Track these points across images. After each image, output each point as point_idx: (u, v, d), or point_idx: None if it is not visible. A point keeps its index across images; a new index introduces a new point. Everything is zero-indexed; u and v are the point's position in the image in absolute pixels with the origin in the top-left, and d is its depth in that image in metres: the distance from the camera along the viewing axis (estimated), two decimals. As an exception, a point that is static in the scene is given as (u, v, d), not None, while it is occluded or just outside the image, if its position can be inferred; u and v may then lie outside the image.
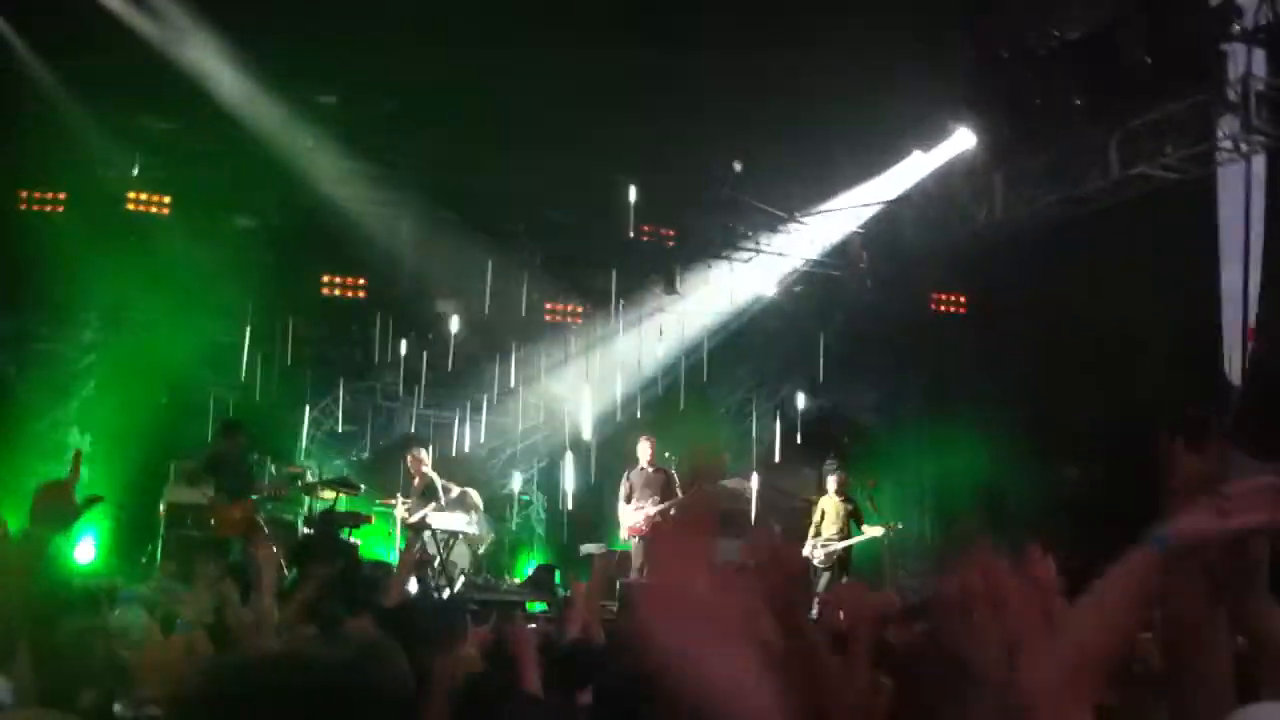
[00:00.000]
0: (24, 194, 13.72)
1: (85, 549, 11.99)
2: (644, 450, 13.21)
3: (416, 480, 13.14)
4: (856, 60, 13.53)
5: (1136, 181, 13.40)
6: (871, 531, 13.30)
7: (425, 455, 13.32)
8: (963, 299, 16.51)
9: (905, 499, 15.60)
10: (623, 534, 13.23)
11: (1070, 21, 13.62)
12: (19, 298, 13.43)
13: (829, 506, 13.60)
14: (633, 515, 12.98)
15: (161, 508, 12.41)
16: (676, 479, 12.87)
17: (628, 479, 13.25)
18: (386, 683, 3.57)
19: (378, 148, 14.54)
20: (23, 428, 13.21)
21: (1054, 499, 14.16)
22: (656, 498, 12.83)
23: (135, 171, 14.25)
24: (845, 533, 13.41)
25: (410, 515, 12.84)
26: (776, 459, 15.79)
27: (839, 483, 13.67)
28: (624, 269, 15.78)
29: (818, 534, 13.49)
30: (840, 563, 13.32)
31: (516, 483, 15.00)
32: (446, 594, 12.32)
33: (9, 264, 13.06)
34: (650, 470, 13.10)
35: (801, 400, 16.23)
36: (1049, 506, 13.72)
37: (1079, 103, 14.08)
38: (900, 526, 13.75)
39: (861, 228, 16.10)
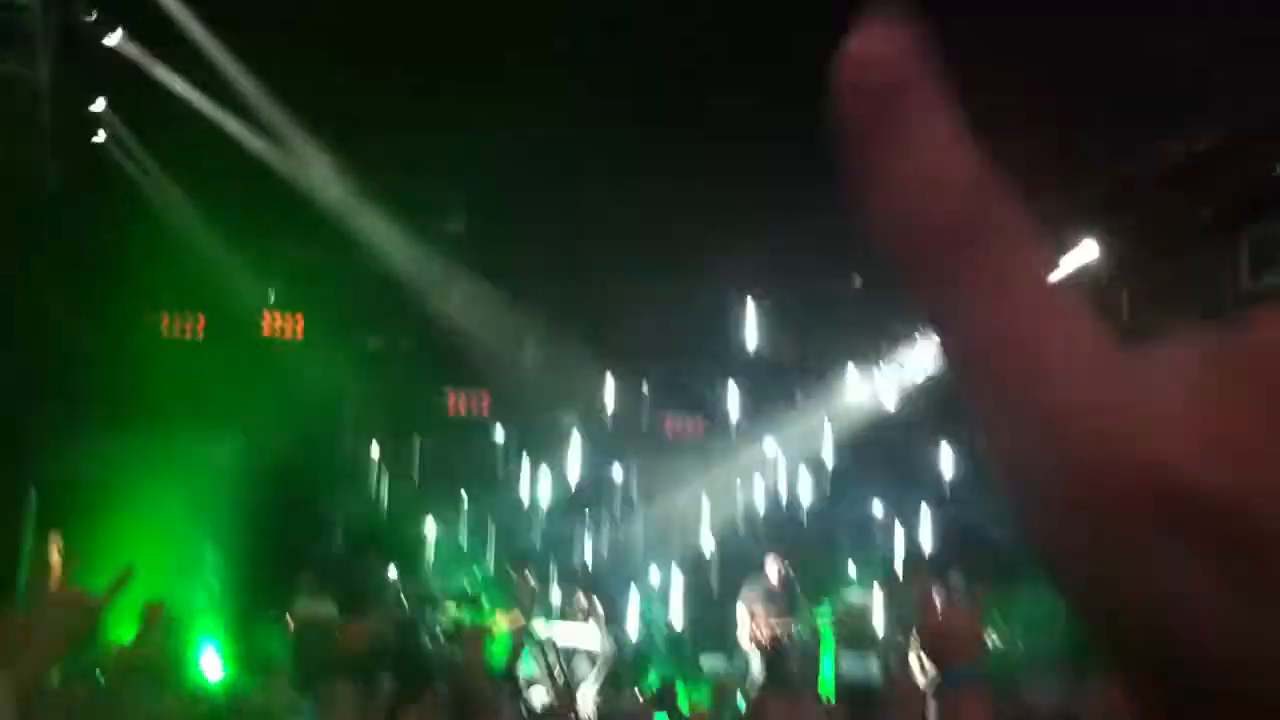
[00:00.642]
0: (166, 318, 14.35)
1: (213, 664, 12.21)
2: (771, 569, 13.49)
3: (524, 596, 13.29)
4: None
5: (1268, 293, 13.11)
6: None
7: (529, 574, 13.50)
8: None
9: (1039, 612, 15.14)
10: (745, 642, 13.37)
11: (1196, 136, 13.50)
12: (162, 416, 13.94)
13: None
14: (756, 627, 13.21)
15: (290, 622, 12.66)
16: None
17: (752, 592, 13.47)
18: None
19: (503, 273, 14.89)
20: (164, 545, 13.68)
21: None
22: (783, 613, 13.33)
23: (271, 297, 14.83)
24: None
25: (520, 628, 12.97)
26: (900, 576, 15.51)
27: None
28: (744, 385, 15.85)
29: None
30: None
31: (637, 596, 14.98)
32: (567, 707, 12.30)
33: (151, 385, 13.61)
34: (776, 589, 13.39)
35: (927, 514, 15.97)
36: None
37: (1206, 214, 13.92)
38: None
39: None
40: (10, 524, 11.85)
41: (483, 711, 5.13)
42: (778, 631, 13.41)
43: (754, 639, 13.31)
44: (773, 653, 13.33)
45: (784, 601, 13.61)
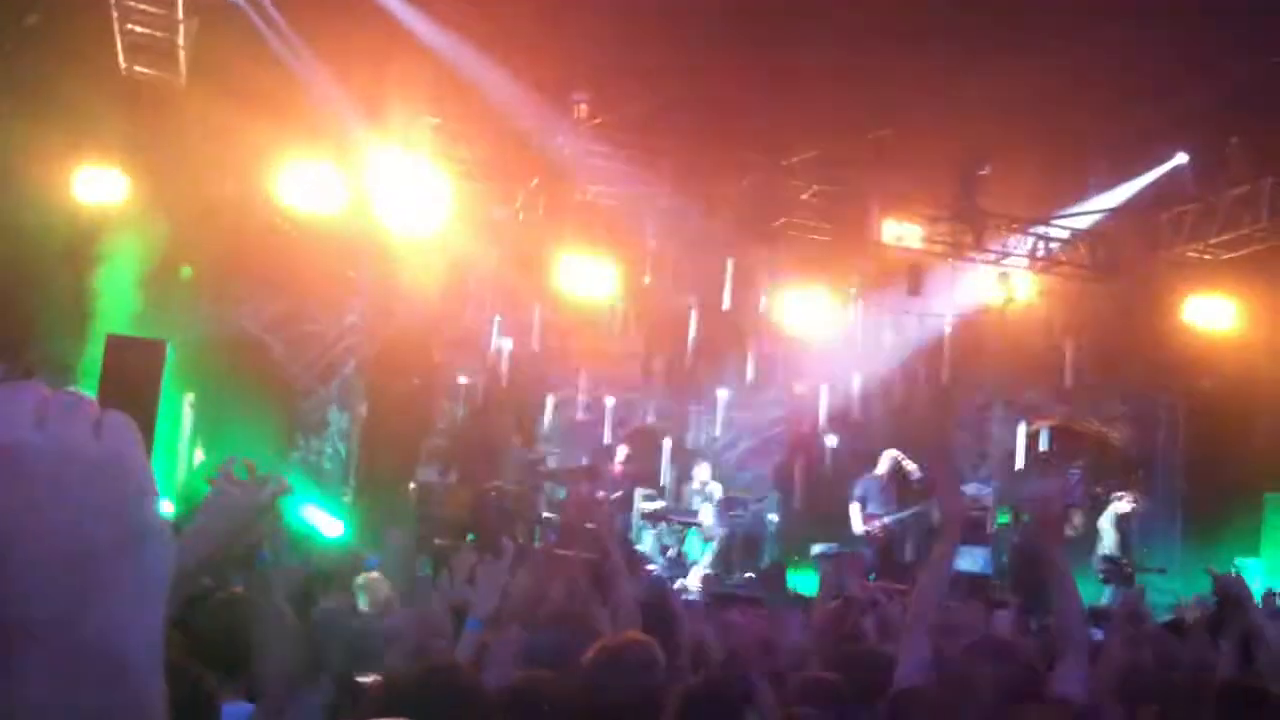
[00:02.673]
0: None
1: (335, 524, 12.59)
2: (885, 462, 13.75)
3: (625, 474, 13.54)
4: (1113, 59, 13.06)
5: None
6: None
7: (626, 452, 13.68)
8: (1226, 310, 15.61)
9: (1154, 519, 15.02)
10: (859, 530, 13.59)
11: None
12: (291, 286, 14.16)
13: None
14: (868, 522, 13.48)
15: (412, 486, 13.00)
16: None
17: (864, 484, 13.68)
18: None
19: (630, 143, 14.69)
20: (291, 404, 14.05)
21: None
22: (893, 508, 13.51)
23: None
24: None
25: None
26: (1017, 466, 15.42)
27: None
28: (868, 270, 15.66)
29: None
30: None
31: (750, 478, 15.09)
32: (679, 584, 12.54)
33: (285, 258, 13.77)
34: (886, 481, 13.65)
35: (1048, 408, 15.77)
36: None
37: None
38: None
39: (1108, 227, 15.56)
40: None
41: (613, 573, 5.21)
42: (888, 523, 13.51)
43: (865, 532, 13.44)
44: (883, 545, 13.42)
45: (894, 495, 13.68)
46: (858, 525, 13.52)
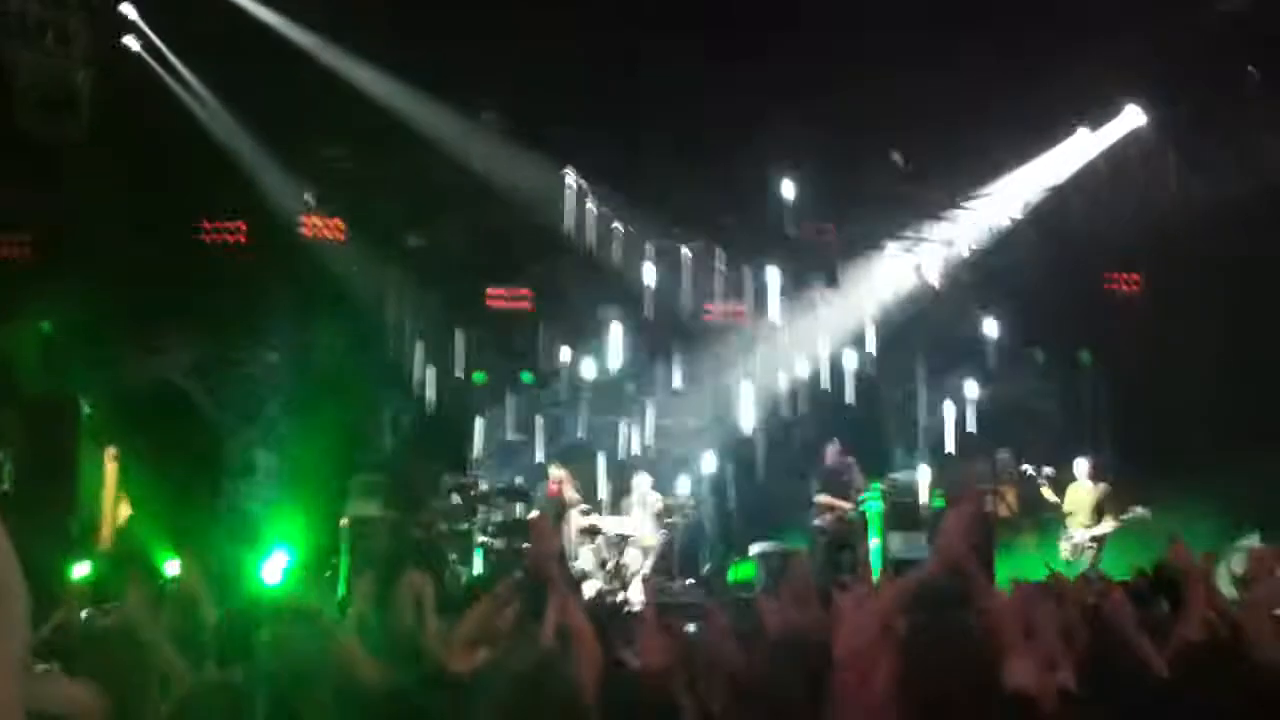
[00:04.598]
0: (207, 225, 14.30)
1: (273, 569, 12.43)
2: (829, 453, 14.05)
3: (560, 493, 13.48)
4: (1017, 40, 13.25)
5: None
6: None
7: (560, 472, 13.65)
8: (1137, 279, 15.94)
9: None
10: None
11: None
12: (208, 325, 14.03)
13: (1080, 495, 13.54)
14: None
15: (344, 522, 12.84)
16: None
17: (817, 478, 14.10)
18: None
19: (543, 159, 14.69)
20: (217, 448, 13.88)
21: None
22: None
23: (309, 199, 14.73)
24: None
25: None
26: (947, 450, 15.55)
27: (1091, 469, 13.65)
28: (785, 266, 15.74)
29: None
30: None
31: (685, 484, 15.11)
32: (620, 597, 12.53)
33: (197, 292, 13.68)
34: (835, 473, 13.92)
35: (972, 389, 15.91)
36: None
37: (1253, 71, 13.56)
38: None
39: (1027, 211, 15.77)
40: (63, 435, 11.98)
41: (559, 596, 5.13)
42: (841, 515, 13.61)
43: (822, 524, 13.54)
44: (835, 537, 13.47)
45: (841, 486, 13.79)
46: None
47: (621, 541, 13.30)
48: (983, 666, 3.61)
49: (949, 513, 5.62)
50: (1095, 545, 13.29)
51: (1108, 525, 13.28)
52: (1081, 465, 13.82)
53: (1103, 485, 13.63)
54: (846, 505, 13.59)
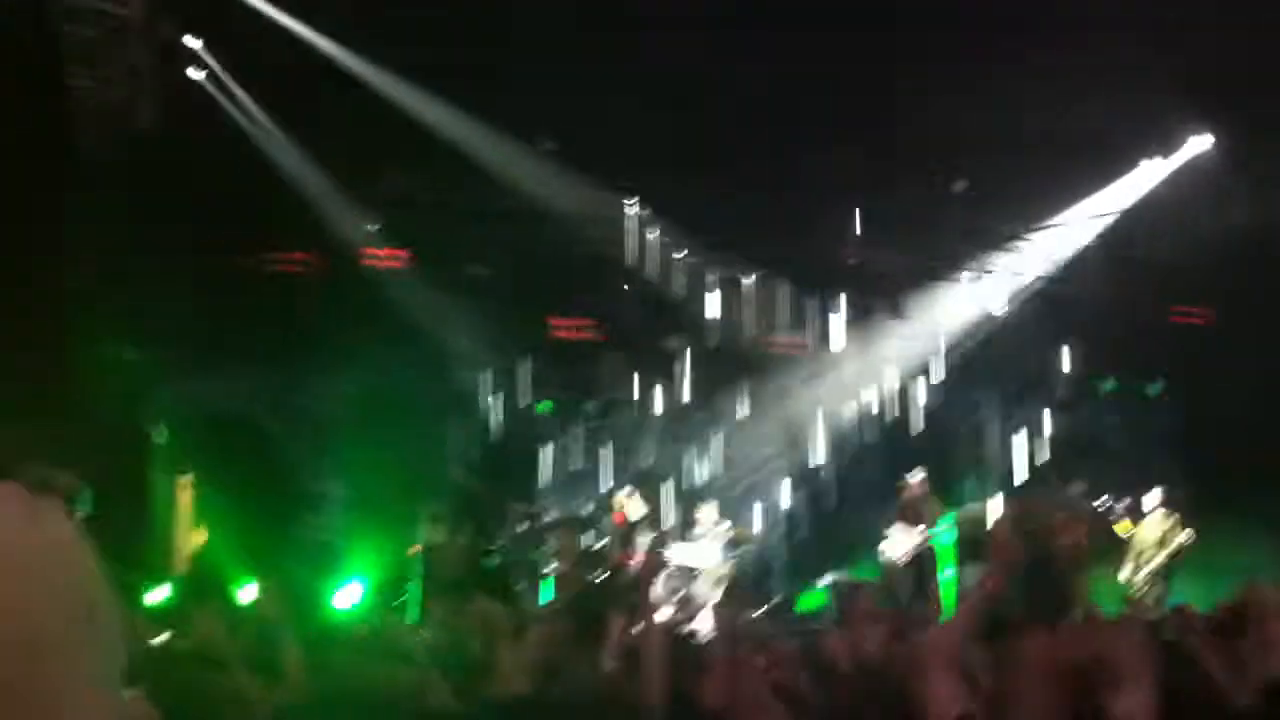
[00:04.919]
0: (275, 255, 14.48)
1: (346, 597, 12.52)
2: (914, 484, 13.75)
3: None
4: (1084, 68, 13.16)
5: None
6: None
7: (627, 499, 13.63)
8: (1208, 309, 15.72)
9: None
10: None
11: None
12: (279, 355, 14.18)
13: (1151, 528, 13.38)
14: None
15: (413, 550, 12.92)
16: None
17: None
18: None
19: (606, 188, 14.78)
20: (289, 478, 14.02)
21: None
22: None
23: (374, 228, 14.91)
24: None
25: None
26: (1017, 482, 15.39)
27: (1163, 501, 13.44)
28: (850, 296, 15.70)
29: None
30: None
31: (754, 514, 15.04)
32: (689, 628, 12.47)
33: (266, 323, 13.85)
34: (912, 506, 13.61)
35: (1042, 420, 15.75)
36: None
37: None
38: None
39: (1095, 240, 15.62)
40: (136, 461, 12.14)
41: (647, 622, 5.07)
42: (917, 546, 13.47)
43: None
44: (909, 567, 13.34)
45: (916, 517, 13.65)
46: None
47: (690, 571, 13.25)
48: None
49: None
50: (1163, 576, 13.08)
51: (1165, 556, 13.08)
52: (1153, 497, 13.60)
53: (1175, 517, 13.41)
54: (922, 537, 13.42)
